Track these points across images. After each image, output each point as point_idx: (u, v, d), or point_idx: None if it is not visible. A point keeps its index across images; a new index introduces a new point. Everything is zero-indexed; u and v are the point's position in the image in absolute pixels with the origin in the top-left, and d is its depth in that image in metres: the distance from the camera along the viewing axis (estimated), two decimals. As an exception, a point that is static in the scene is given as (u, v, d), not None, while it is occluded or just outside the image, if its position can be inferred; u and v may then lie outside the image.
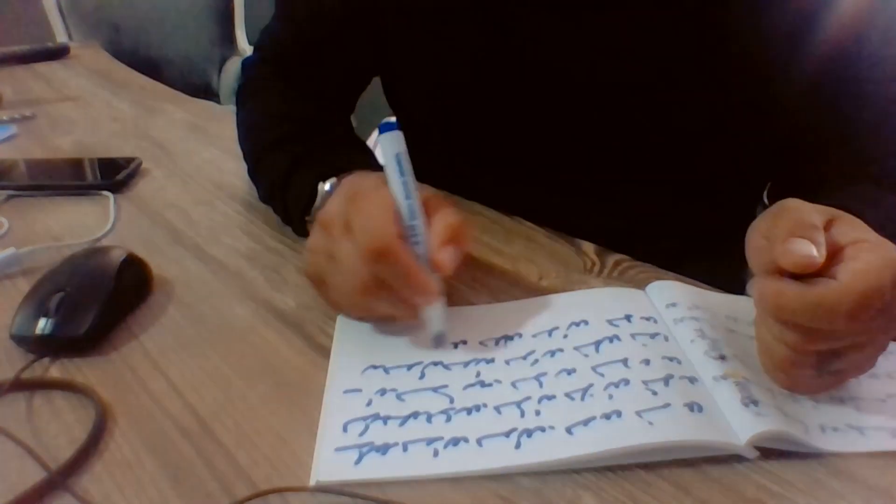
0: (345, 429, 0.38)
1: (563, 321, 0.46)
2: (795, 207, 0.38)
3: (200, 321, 0.48)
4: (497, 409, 0.39)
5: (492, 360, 0.43)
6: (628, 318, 0.45)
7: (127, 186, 0.70)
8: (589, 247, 0.57)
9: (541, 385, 0.40)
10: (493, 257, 0.56)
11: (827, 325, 0.35)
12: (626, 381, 0.39)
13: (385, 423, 0.38)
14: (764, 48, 0.55)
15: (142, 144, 0.83)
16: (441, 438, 0.37)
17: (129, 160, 0.74)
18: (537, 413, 0.38)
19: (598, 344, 0.43)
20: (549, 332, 0.45)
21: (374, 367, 0.42)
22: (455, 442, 0.36)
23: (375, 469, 0.35)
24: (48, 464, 0.35)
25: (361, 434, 0.37)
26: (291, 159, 0.58)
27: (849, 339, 0.36)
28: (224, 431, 0.38)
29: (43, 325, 0.44)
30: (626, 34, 0.57)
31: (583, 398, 0.39)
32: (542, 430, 0.37)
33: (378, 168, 0.45)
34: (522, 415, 0.38)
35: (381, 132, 0.44)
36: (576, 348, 0.43)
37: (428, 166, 0.75)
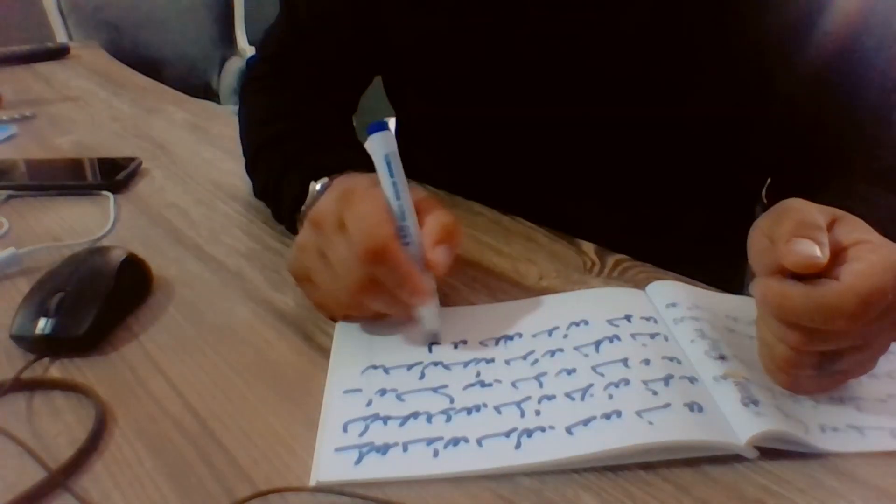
0: (345, 429, 0.38)
1: (563, 321, 0.46)
2: (798, 207, 0.38)
3: (200, 321, 0.48)
4: (497, 408, 0.39)
5: (492, 360, 0.43)
6: (628, 317, 0.45)
7: (127, 186, 0.70)
8: (589, 247, 0.57)
9: (541, 385, 0.40)
10: (493, 257, 0.56)
11: (829, 325, 0.35)
12: (627, 381, 0.39)
13: (385, 423, 0.38)
14: (763, 47, 0.55)
15: (142, 144, 0.83)
16: (441, 438, 0.37)
17: (129, 160, 0.74)
18: (537, 413, 0.38)
19: (598, 344, 0.43)
20: (549, 332, 0.45)
21: (374, 367, 0.42)
22: (455, 442, 0.36)
23: (375, 469, 0.35)
24: (48, 464, 0.35)
25: (361, 434, 0.37)
26: (286, 158, 0.58)
27: (851, 339, 0.36)
28: (224, 431, 0.38)
29: (43, 325, 0.44)
30: (626, 33, 0.57)
31: (583, 398, 0.39)
32: (543, 429, 0.37)
33: (374, 169, 0.45)
34: (522, 415, 0.38)
35: (369, 132, 0.44)
36: (576, 348, 0.43)
37: (429, 165, 0.75)
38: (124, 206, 0.66)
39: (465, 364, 0.43)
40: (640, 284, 0.50)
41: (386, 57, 0.70)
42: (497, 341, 0.45)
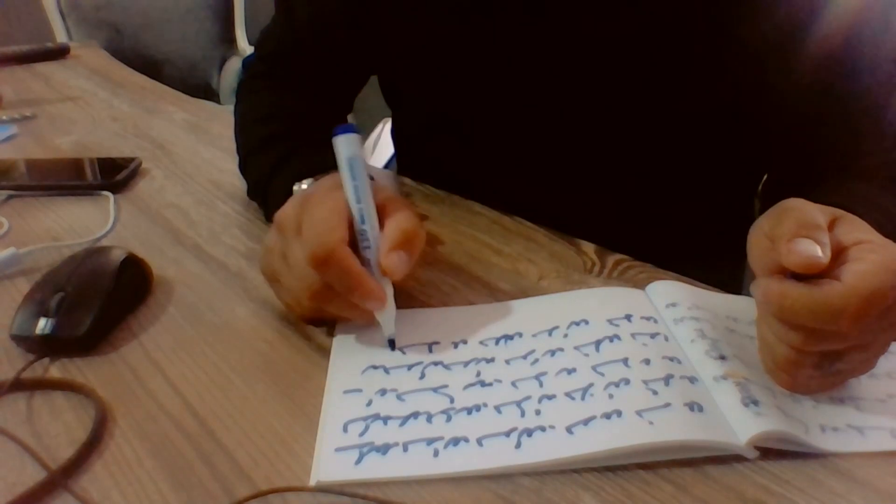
0: (345, 429, 0.38)
1: (563, 321, 0.46)
2: (799, 207, 0.38)
3: (200, 321, 0.48)
4: (497, 408, 0.39)
5: (492, 360, 0.43)
6: (628, 317, 0.45)
7: (127, 186, 0.70)
8: (589, 247, 0.57)
9: (541, 384, 0.40)
10: (493, 257, 0.56)
11: (830, 326, 0.35)
12: (627, 381, 0.39)
13: (385, 423, 0.38)
14: (761, 46, 0.55)
15: (142, 144, 0.83)
16: (441, 438, 0.37)
17: (129, 160, 0.74)
18: (537, 413, 0.38)
19: (598, 343, 0.43)
20: (550, 332, 0.45)
21: (374, 367, 0.42)
22: (455, 442, 0.36)
23: (376, 469, 0.35)
24: (48, 464, 0.35)
25: (362, 434, 0.37)
26: (275, 159, 0.58)
27: (851, 340, 0.36)
28: (224, 431, 0.38)
29: (43, 325, 0.44)
30: (623, 31, 0.57)
31: (583, 398, 0.39)
32: (543, 429, 0.37)
33: None
34: (523, 414, 0.38)
35: (335, 135, 0.44)
36: (576, 348, 0.43)
37: (427, 165, 0.75)
38: (124, 206, 0.66)
39: (466, 364, 0.43)
40: (640, 284, 0.50)
41: (381, 57, 0.70)
42: (497, 341, 0.45)
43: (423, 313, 0.48)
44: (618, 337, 0.43)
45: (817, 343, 0.36)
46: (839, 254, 0.37)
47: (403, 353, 0.44)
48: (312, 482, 0.34)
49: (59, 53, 1.29)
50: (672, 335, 0.44)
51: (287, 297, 0.46)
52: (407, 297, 0.50)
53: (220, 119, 0.92)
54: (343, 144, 0.43)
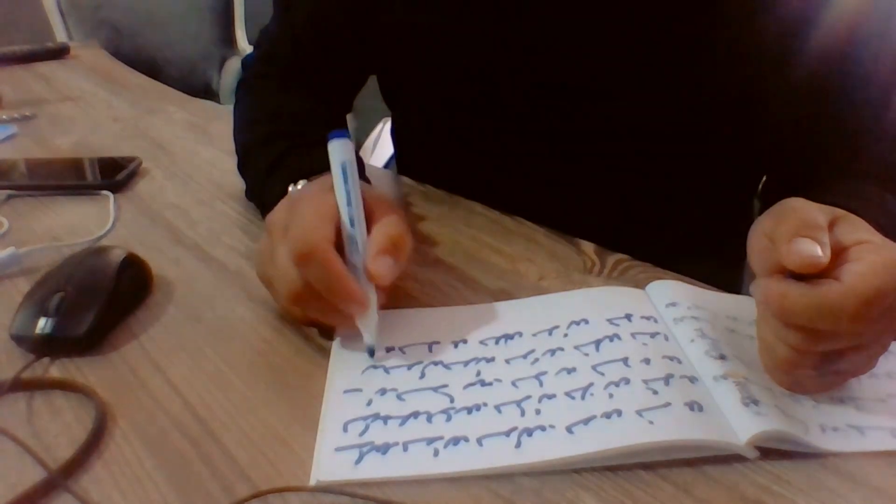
0: (345, 429, 0.38)
1: (563, 320, 0.46)
2: (799, 207, 0.38)
3: (200, 321, 0.48)
4: (497, 408, 0.39)
5: (492, 360, 0.43)
6: (628, 317, 0.45)
7: (127, 186, 0.70)
8: (589, 247, 0.57)
9: (541, 384, 0.40)
10: (493, 257, 0.56)
11: (830, 326, 0.35)
12: (627, 381, 0.39)
13: (385, 422, 0.38)
14: (761, 46, 0.55)
15: (142, 144, 0.83)
16: (441, 438, 0.37)
17: (129, 160, 0.74)
18: (538, 412, 0.38)
19: (598, 343, 0.43)
20: (550, 332, 0.45)
21: (375, 366, 0.42)
22: (455, 441, 0.36)
23: (376, 469, 0.35)
24: (48, 464, 0.35)
25: (362, 434, 0.37)
26: (271, 159, 0.58)
27: (851, 340, 0.36)
28: (224, 431, 0.38)
29: (43, 325, 0.44)
30: (622, 31, 0.57)
31: (583, 397, 0.39)
32: (543, 429, 0.37)
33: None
34: (523, 414, 0.38)
35: (329, 139, 0.44)
36: (576, 347, 0.43)
37: (426, 165, 0.75)
38: (124, 206, 0.66)
39: (466, 363, 0.43)
40: (640, 284, 0.50)
41: (381, 57, 0.70)
42: (497, 341, 0.45)
43: (424, 313, 0.48)
44: (618, 336, 0.43)
45: (817, 343, 0.36)
46: (839, 254, 0.37)
47: (403, 352, 0.44)
48: (312, 482, 0.34)
49: (59, 53, 1.29)
50: (672, 335, 0.44)
51: (278, 299, 0.46)
52: (407, 297, 0.50)
53: (220, 119, 0.92)
54: (336, 149, 0.44)
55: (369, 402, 0.39)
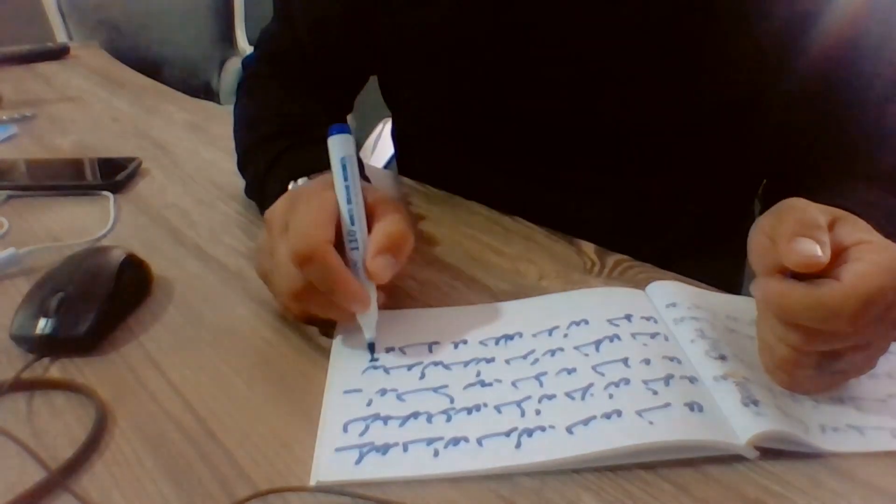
0: (345, 429, 0.38)
1: (563, 320, 0.46)
2: (800, 207, 0.38)
3: (200, 321, 0.48)
4: (497, 408, 0.39)
5: (492, 360, 0.43)
6: (628, 317, 0.45)
7: (127, 186, 0.70)
8: (589, 247, 0.57)
9: (541, 384, 0.40)
10: (493, 257, 0.56)
11: (830, 326, 0.35)
12: (627, 381, 0.39)
13: (385, 423, 0.38)
14: (763, 47, 0.55)
15: (142, 144, 0.83)
16: (441, 438, 0.37)
17: (129, 160, 0.74)
18: (537, 412, 0.38)
19: (598, 343, 0.43)
20: (550, 332, 0.45)
21: (375, 367, 0.42)
22: (455, 442, 0.36)
23: (376, 469, 0.35)
24: (48, 464, 0.35)
25: (362, 434, 0.37)
26: (271, 157, 0.58)
27: (851, 340, 0.36)
28: (224, 431, 0.38)
29: (43, 325, 0.44)
30: (623, 32, 0.57)
31: (583, 397, 0.39)
32: (543, 429, 0.37)
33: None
34: (523, 414, 0.38)
35: (329, 135, 0.44)
36: (576, 348, 0.43)
37: (427, 165, 0.75)
38: (124, 206, 0.66)
39: (466, 364, 0.43)
40: (640, 284, 0.50)
41: (381, 56, 0.70)
42: (497, 341, 0.45)
43: (424, 313, 0.48)
44: (618, 337, 0.43)
45: (817, 343, 0.36)
46: (839, 254, 0.37)
47: (403, 352, 0.44)
48: (312, 482, 0.34)
49: (59, 53, 1.29)
50: (672, 335, 0.44)
51: (277, 296, 0.46)
52: (407, 298, 0.50)
53: (220, 119, 0.92)
54: (336, 145, 0.43)
55: (369, 403, 0.39)
